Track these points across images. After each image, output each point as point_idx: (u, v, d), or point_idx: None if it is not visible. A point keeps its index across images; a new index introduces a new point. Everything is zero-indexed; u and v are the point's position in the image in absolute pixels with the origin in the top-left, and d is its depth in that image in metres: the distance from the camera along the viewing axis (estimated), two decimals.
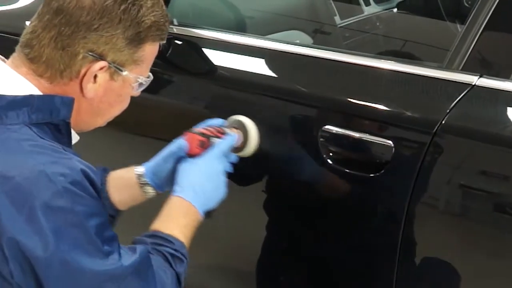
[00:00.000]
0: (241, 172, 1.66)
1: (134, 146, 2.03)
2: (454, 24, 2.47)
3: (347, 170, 1.62)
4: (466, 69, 1.57)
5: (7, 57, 1.34)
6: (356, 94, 1.67)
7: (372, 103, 1.63)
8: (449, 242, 1.56)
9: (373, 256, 1.66)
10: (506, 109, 1.56)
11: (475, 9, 1.60)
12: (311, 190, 1.72)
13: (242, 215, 1.85)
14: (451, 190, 1.55)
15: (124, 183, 1.57)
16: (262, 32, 2.21)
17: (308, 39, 2.53)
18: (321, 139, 1.64)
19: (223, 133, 1.50)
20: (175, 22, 2.03)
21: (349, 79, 1.74)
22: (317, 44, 2.47)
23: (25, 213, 1.16)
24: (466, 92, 1.54)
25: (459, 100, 1.53)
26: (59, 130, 1.30)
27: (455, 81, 1.57)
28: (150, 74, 1.39)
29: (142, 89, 1.39)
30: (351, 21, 2.72)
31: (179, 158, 1.49)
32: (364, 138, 1.59)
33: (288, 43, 1.92)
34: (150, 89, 1.76)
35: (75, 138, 1.37)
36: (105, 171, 1.59)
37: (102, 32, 1.27)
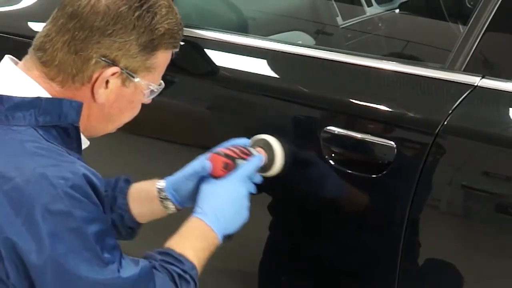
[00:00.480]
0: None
1: (138, 148, 2.03)
2: (456, 25, 2.46)
3: (349, 171, 1.62)
4: (468, 70, 1.57)
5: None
6: (359, 95, 1.67)
7: (375, 103, 1.63)
8: (452, 243, 1.56)
9: (375, 257, 1.66)
10: (509, 109, 1.56)
11: (478, 9, 1.60)
12: (313, 190, 1.72)
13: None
14: (453, 191, 1.55)
15: (145, 196, 1.54)
16: (264, 33, 2.21)
17: (310, 40, 2.53)
18: (323, 140, 1.64)
19: (248, 154, 1.47)
20: None
21: (351, 80, 1.74)
22: (319, 45, 2.47)
23: (23, 215, 1.16)
24: (468, 93, 1.54)
25: (461, 101, 1.53)
26: (68, 134, 1.29)
27: (457, 82, 1.57)
28: (162, 82, 1.39)
29: (153, 96, 1.38)
30: (353, 22, 2.72)
31: (202, 177, 1.46)
32: (367, 139, 1.59)
33: (290, 44, 1.92)
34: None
35: (85, 143, 1.36)
36: (127, 182, 1.56)
37: (116, 37, 1.27)
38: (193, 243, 1.34)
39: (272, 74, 1.84)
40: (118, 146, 2.05)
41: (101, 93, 1.30)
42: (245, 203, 1.42)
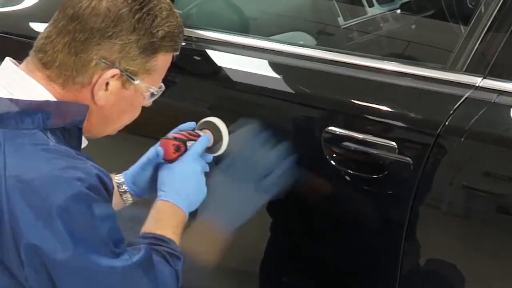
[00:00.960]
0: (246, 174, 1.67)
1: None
2: (457, 25, 2.46)
3: (351, 171, 1.62)
4: (469, 71, 1.57)
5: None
6: (360, 95, 1.67)
7: (376, 104, 1.63)
8: (453, 244, 1.56)
9: (376, 258, 1.66)
10: (510, 110, 1.56)
11: (479, 10, 1.60)
12: (314, 191, 1.72)
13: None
14: (454, 191, 1.55)
15: None
16: (265, 33, 2.21)
17: (312, 40, 2.52)
18: (324, 140, 1.64)
19: (196, 136, 1.53)
20: None
21: (352, 80, 1.74)
22: (320, 45, 2.47)
23: (43, 218, 1.18)
24: (470, 93, 1.54)
25: (462, 101, 1.53)
26: (70, 134, 1.31)
27: (459, 82, 1.57)
28: (162, 84, 1.40)
29: (153, 99, 1.39)
30: (355, 22, 2.72)
31: (157, 165, 1.51)
32: (368, 139, 1.59)
33: (291, 44, 1.92)
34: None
35: (83, 142, 1.37)
36: None
37: (116, 40, 1.28)
38: (167, 223, 1.41)
39: (273, 74, 1.84)
40: (117, 146, 2.05)
41: (101, 95, 1.31)
42: (202, 179, 1.49)
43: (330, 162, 1.63)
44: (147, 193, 1.55)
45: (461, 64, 1.58)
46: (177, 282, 1.33)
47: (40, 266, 1.18)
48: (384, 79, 1.71)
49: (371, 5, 2.81)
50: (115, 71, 1.29)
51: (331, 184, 1.69)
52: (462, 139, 1.52)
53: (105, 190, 1.26)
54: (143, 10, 1.29)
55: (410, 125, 1.58)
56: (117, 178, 1.57)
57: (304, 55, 1.81)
